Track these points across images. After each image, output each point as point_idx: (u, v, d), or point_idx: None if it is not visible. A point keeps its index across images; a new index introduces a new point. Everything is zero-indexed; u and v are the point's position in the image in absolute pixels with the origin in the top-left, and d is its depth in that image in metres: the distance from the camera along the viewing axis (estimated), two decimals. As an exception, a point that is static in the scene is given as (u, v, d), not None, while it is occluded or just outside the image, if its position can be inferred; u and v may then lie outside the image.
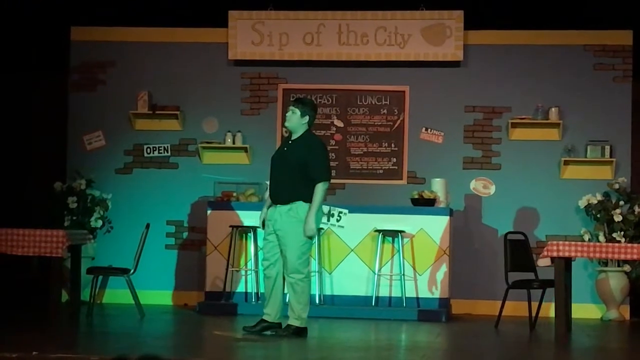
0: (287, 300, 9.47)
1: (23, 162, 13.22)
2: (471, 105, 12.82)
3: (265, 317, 9.42)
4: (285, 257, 9.28)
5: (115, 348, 8.42)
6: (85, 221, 12.52)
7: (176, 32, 13.09)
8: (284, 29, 12.82)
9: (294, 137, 9.46)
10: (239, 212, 11.94)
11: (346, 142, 12.96)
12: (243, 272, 11.89)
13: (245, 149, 12.84)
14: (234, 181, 12.66)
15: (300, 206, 9.27)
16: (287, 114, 9.50)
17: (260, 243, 11.10)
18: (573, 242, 10.32)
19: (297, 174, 9.26)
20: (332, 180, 12.71)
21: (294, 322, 9.34)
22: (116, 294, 12.51)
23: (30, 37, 13.10)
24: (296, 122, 9.41)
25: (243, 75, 13.05)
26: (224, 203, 12.10)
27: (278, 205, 9.32)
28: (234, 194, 12.21)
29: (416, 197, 11.88)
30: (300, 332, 9.31)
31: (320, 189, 9.26)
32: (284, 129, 9.55)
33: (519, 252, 10.98)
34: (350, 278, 11.76)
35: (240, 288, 11.89)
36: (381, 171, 12.88)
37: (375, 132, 12.92)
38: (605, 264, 12.20)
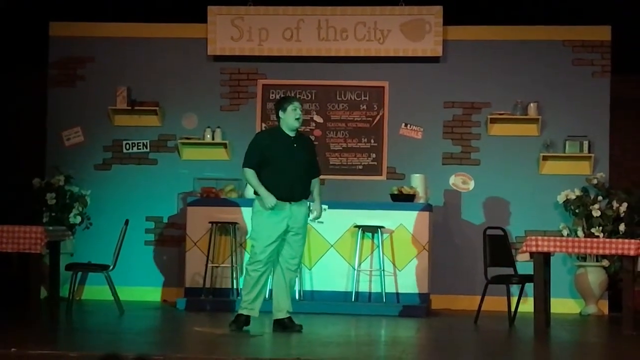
0: (286, 295, 9.47)
1: (1, 158, 13.16)
2: (450, 100, 12.84)
3: (250, 313, 9.42)
4: (298, 252, 9.45)
5: (95, 345, 8.40)
6: (64, 217, 12.48)
7: (155, 28, 13.06)
8: (264, 25, 12.82)
9: (294, 134, 9.49)
10: (218, 208, 11.93)
11: (325, 138, 12.97)
12: (222, 268, 11.88)
13: (224, 145, 12.84)
14: (213, 177, 12.65)
15: (306, 202, 9.56)
16: (300, 113, 9.47)
17: (248, 237, 11.15)
18: (552, 237, 10.35)
19: (307, 172, 9.49)
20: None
21: (290, 312, 9.52)
22: (95, 290, 12.49)
23: (8, 33, 13.04)
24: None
25: (222, 71, 13.03)
26: (203, 199, 12.09)
27: (293, 203, 9.34)
28: (214, 190, 12.20)
29: (396, 192, 11.89)
30: None
31: (319, 181, 9.70)
32: (296, 127, 9.52)
33: (498, 247, 10.99)
34: (330, 274, 11.77)
35: (220, 284, 11.88)
36: (361, 167, 12.90)
37: (355, 127, 12.93)
38: (584, 259, 12.25)
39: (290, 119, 9.43)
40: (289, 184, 9.32)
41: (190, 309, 11.51)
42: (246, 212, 11.42)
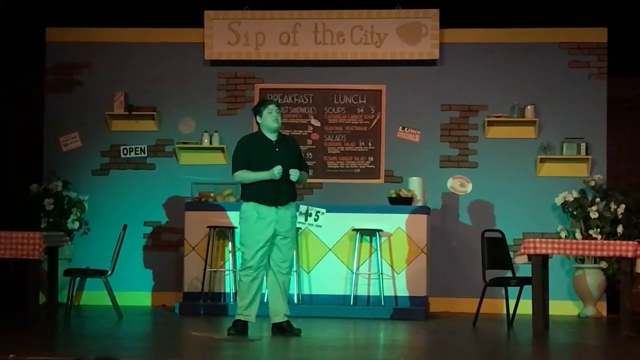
0: (282, 299, 9.44)
1: (-1, 164, 13.17)
2: (447, 103, 12.85)
3: (246, 319, 9.39)
4: (288, 255, 9.42)
5: (93, 350, 8.39)
6: (62, 223, 12.48)
7: (152, 33, 13.06)
8: (260, 29, 12.82)
9: (276, 137, 9.48)
10: (216, 212, 11.93)
11: (323, 142, 12.97)
12: (220, 273, 11.87)
13: (222, 149, 12.83)
14: (211, 181, 12.64)
15: (295, 205, 9.55)
16: (277, 115, 9.42)
17: (237, 244, 11.11)
18: (550, 239, 10.36)
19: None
20: (310, 180, 12.79)
21: (287, 316, 9.48)
22: (94, 295, 12.48)
23: (5, 38, 13.04)
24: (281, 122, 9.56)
25: (219, 75, 13.04)
26: (201, 203, 12.09)
27: (279, 207, 9.32)
28: (211, 195, 12.20)
29: (393, 195, 11.89)
30: None
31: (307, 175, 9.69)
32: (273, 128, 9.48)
33: (496, 249, 11.00)
34: (328, 277, 11.76)
35: (219, 288, 11.87)
36: (358, 170, 12.90)
37: (352, 131, 12.94)
38: (582, 260, 12.25)
39: (267, 122, 9.43)
40: (274, 189, 9.31)
41: (188, 313, 11.50)
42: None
